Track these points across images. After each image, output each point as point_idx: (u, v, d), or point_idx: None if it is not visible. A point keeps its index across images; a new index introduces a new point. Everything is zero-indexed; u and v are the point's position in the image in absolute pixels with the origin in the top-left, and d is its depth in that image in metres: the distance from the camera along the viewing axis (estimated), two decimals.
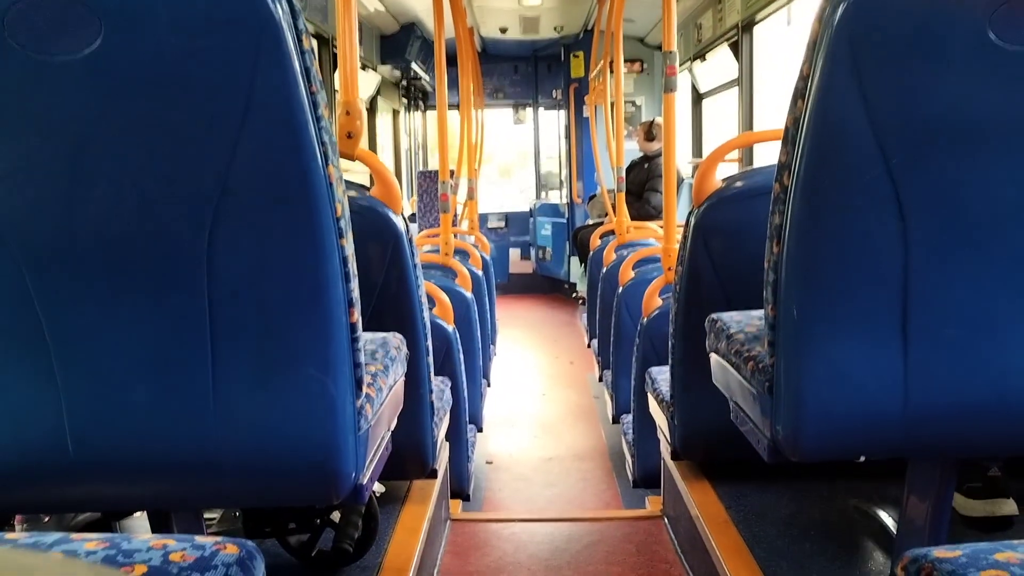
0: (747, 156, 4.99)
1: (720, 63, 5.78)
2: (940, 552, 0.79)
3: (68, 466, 1.16)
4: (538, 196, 9.58)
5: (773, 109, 5.07)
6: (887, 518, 1.94)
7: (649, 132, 6.26)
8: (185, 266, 1.11)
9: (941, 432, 1.29)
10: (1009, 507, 1.88)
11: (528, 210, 9.33)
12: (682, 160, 6.77)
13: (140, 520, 1.64)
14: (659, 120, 6.09)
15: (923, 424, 1.27)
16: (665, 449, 2.52)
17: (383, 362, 1.47)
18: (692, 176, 6.48)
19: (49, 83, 1.05)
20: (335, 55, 4.90)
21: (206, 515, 1.81)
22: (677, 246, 2.43)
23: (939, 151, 1.20)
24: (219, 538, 0.90)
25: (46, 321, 1.12)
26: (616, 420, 3.74)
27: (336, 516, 1.85)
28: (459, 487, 2.94)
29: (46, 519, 1.61)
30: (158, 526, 1.39)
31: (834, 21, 1.17)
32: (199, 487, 1.22)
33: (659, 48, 7.61)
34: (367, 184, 2.12)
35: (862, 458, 1.35)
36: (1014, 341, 1.24)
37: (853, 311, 1.26)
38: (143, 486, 1.22)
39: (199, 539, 0.90)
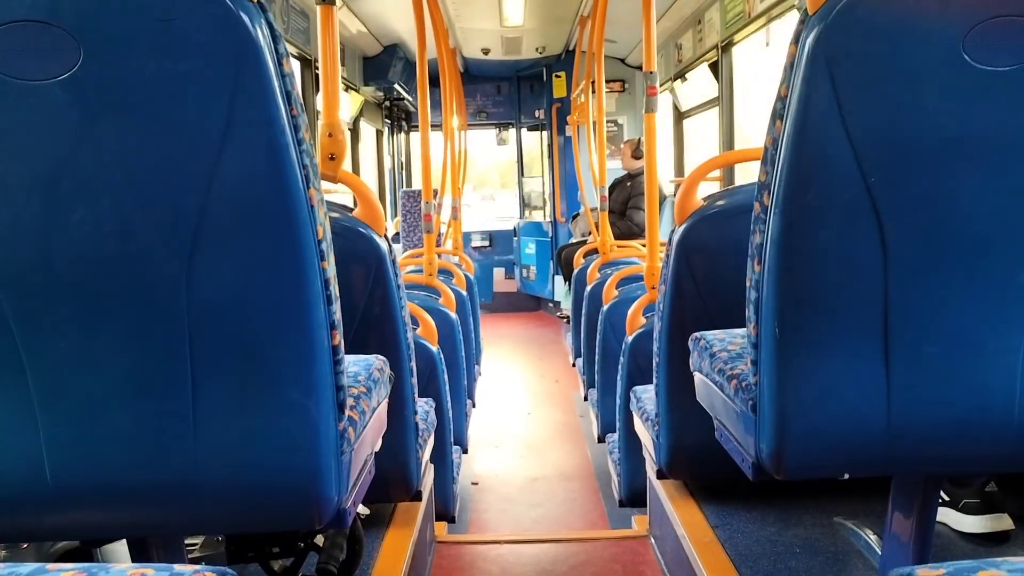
0: (728, 174, 5.03)
1: (700, 83, 5.83)
2: (923, 571, 0.79)
3: (46, 494, 1.14)
4: (522, 215, 9.60)
5: (753, 128, 5.12)
6: (872, 535, 1.95)
7: (637, 150, 6.29)
8: (165, 290, 1.10)
9: (924, 449, 1.30)
10: (1005, 522, 1.90)
11: (512, 229, 9.35)
12: (664, 178, 6.81)
13: (120, 547, 1.61)
14: None
15: (906, 441, 1.28)
16: (651, 468, 2.52)
17: (366, 384, 1.46)
18: (674, 194, 6.55)
19: (27, 107, 1.04)
20: (318, 76, 4.91)
21: (188, 540, 1.79)
22: (660, 264, 2.44)
23: (917, 169, 1.21)
24: (198, 566, 0.88)
25: (23, 346, 1.10)
26: (601, 439, 3.73)
27: (320, 540, 1.83)
28: (444, 509, 2.92)
29: (24, 546, 1.59)
30: (139, 553, 1.37)
31: (811, 42, 1.18)
32: (180, 514, 1.20)
33: (640, 68, 7.70)
34: (350, 204, 2.12)
35: (846, 475, 1.35)
36: (994, 358, 1.25)
37: (834, 329, 1.26)
38: (123, 513, 1.20)
39: (178, 567, 0.89)
